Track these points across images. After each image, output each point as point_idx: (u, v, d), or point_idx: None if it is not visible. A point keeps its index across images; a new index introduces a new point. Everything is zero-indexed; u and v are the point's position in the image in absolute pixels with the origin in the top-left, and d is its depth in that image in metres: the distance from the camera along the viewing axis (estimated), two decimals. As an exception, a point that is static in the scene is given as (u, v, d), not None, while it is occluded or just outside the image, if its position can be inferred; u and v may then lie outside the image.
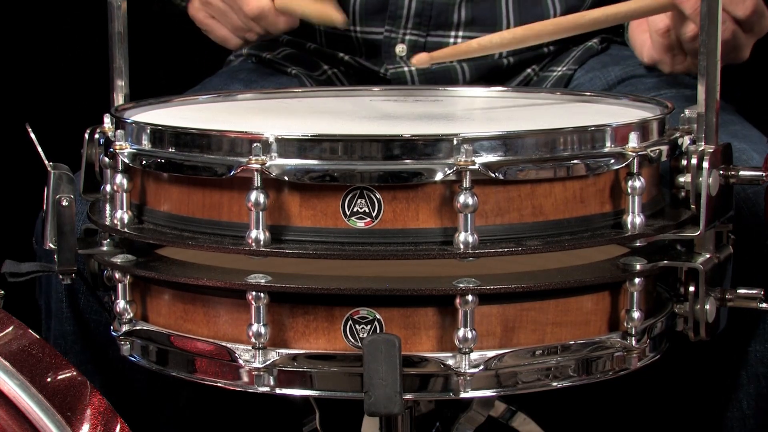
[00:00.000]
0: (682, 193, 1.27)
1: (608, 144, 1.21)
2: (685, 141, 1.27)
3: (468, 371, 1.17)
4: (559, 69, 1.86)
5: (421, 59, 1.43)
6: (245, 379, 1.21)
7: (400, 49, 1.83)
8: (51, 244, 1.30)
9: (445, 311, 1.17)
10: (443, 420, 1.45)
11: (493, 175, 1.16)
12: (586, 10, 1.51)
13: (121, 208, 1.27)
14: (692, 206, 1.26)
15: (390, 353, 1.13)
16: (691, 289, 1.26)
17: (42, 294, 1.68)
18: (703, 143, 1.25)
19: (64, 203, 1.29)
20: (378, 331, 1.17)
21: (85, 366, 1.61)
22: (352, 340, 1.18)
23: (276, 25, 1.71)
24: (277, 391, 1.20)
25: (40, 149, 1.31)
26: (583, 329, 1.22)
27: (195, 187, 1.23)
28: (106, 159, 1.30)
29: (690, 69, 1.58)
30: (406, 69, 1.82)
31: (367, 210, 1.17)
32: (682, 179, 1.27)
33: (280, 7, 1.69)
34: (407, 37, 1.82)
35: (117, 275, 1.27)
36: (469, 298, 1.16)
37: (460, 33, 1.81)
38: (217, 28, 1.77)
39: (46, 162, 1.30)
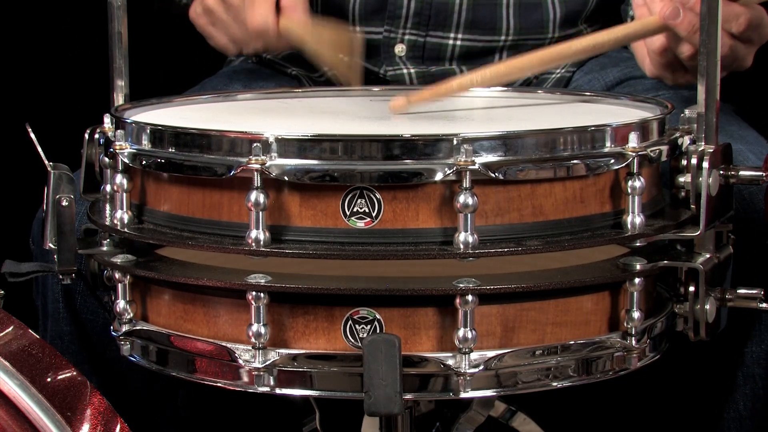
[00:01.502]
0: (682, 193, 1.27)
1: (608, 144, 1.21)
2: (685, 141, 1.27)
3: (468, 371, 1.17)
4: (558, 71, 1.86)
5: (398, 105, 1.42)
6: (245, 379, 1.21)
7: (400, 49, 1.83)
8: (51, 244, 1.30)
9: (445, 311, 1.17)
10: (443, 420, 1.45)
11: (493, 175, 1.16)
12: (573, 40, 1.49)
13: (121, 208, 1.27)
14: (692, 206, 1.26)
15: (390, 353, 1.13)
16: (691, 289, 1.26)
17: (38, 294, 1.68)
18: (703, 143, 1.25)
19: (64, 203, 1.29)
20: (378, 331, 1.17)
21: (82, 366, 1.61)
22: (352, 340, 1.18)
23: (276, 45, 1.70)
24: (277, 391, 1.20)
25: (40, 149, 1.31)
26: (583, 329, 1.22)
27: (195, 187, 1.23)
28: (106, 159, 1.30)
29: (692, 82, 1.57)
30: (404, 71, 1.83)
31: (367, 210, 1.17)
32: (682, 179, 1.27)
33: (284, 30, 1.68)
34: (406, 37, 1.82)
35: (117, 275, 1.27)
36: (469, 298, 1.16)
37: (459, 34, 1.81)
38: (217, 36, 1.76)
39: (46, 162, 1.30)
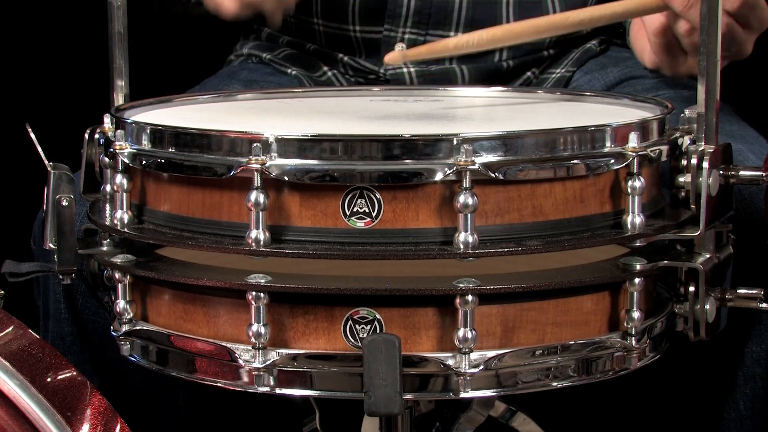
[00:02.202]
0: (682, 193, 1.27)
1: (608, 144, 1.21)
2: (685, 141, 1.27)
3: (468, 371, 1.17)
4: (558, 71, 1.86)
5: (393, 58, 1.41)
6: (245, 379, 1.21)
7: (400, 47, 1.83)
8: (51, 244, 1.30)
9: (445, 311, 1.17)
10: (443, 420, 1.45)
11: (493, 175, 1.16)
12: (571, 11, 1.49)
13: (121, 208, 1.27)
14: (692, 206, 1.25)
15: (390, 353, 1.13)
16: (691, 289, 1.26)
17: (40, 295, 1.68)
18: (703, 143, 1.25)
19: (64, 203, 1.29)
20: (378, 331, 1.17)
21: (83, 366, 1.61)
22: (352, 340, 1.18)
23: None
24: (277, 391, 1.20)
25: (40, 149, 1.31)
26: (583, 329, 1.22)
27: (195, 187, 1.23)
28: (106, 159, 1.30)
29: (692, 70, 1.57)
30: (404, 69, 1.83)
31: (367, 210, 1.17)
32: (682, 179, 1.27)
33: None
34: (406, 36, 1.82)
35: (117, 275, 1.27)
36: (469, 298, 1.16)
37: (459, 33, 1.81)
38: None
39: (46, 162, 1.30)
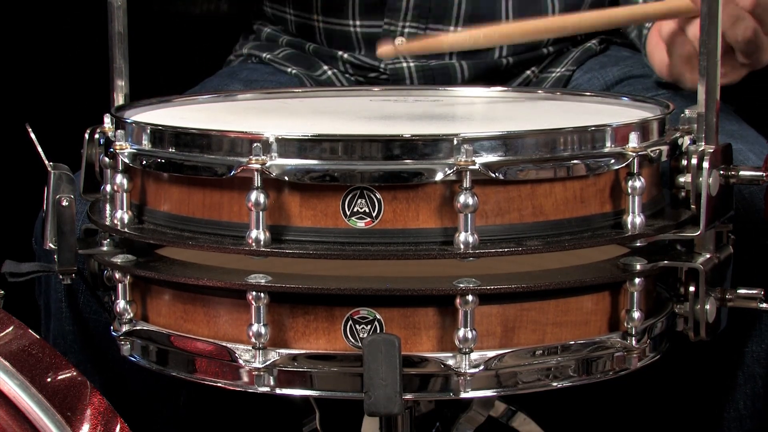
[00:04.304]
0: (682, 193, 1.27)
1: (608, 144, 1.21)
2: (685, 141, 1.27)
3: (468, 371, 1.17)
4: (558, 70, 1.87)
5: (386, 51, 1.40)
6: (245, 379, 1.21)
7: (399, 41, 1.83)
8: (51, 244, 1.30)
9: (445, 311, 1.17)
10: (443, 420, 1.45)
11: (493, 175, 1.16)
12: (573, 13, 1.48)
13: (121, 208, 1.27)
14: (692, 206, 1.25)
15: (390, 353, 1.13)
16: (691, 289, 1.26)
17: (41, 294, 1.68)
18: (703, 143, 1.25)
19: (64, 203, 1.29)
20: (378, 331, 1.17)
21: (84, 366, 1.61)
22: (352, 340, 1.18)
23: None
24: (277, 391, 1.20)
25: (40, 149, 1.31)
26: (583, 329, 1.22)
27: (195, 187, 1.23)
28: (106, 159, 1.30)
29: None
30: (404, 64, 1.83)
31: (367, 210, 1.17)
32: (682, 179, 1.27)
33: None
34: (406, 30, 1.82)
35: (117, 275, 1.27)
36: (470, 298, 1.16)
37: (459, 27, 1.81)
38: None
39: (46, 162, 1.30)
